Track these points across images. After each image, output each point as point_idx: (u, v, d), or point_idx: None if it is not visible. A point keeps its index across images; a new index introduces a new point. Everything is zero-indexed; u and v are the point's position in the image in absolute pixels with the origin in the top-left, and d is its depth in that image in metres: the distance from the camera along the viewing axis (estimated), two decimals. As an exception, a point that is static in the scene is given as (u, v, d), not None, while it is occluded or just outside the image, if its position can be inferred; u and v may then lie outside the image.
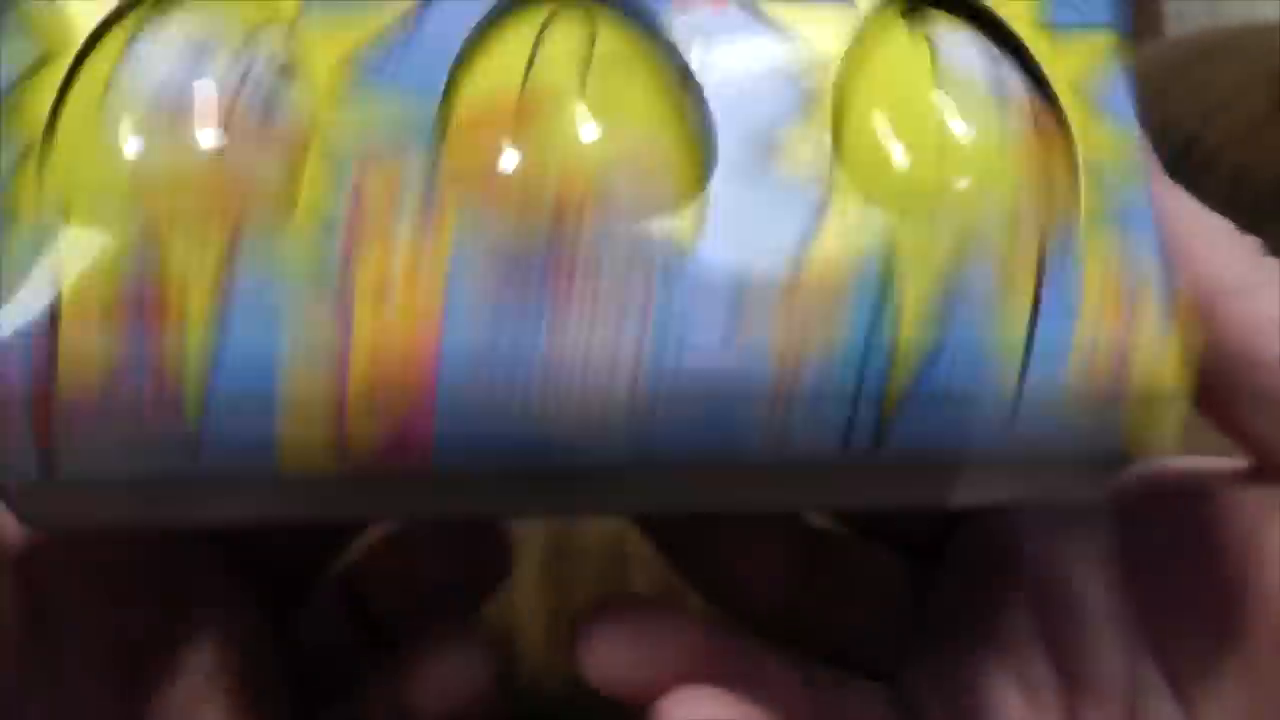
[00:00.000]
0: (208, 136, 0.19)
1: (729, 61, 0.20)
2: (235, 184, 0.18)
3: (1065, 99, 0.21)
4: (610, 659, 0.20)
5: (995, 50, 0.21)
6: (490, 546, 0.25)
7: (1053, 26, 0.22)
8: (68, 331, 0.17)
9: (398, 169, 0.19)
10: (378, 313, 0.17)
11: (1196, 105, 0.39)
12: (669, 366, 0.18)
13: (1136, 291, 0.19)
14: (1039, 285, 0.19)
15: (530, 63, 0.20)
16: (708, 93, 0.19)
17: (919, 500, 0.20)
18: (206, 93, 0.19)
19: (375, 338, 0.17)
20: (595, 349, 0.18)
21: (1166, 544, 0.21)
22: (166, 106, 0.19)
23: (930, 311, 0.19)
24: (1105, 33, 0.22)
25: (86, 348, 0.17)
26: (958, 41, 0.21)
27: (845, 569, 0.24)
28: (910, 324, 0.19)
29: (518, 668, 0.29)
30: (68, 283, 0.17)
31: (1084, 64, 0.21)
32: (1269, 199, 0.37)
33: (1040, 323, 0.19)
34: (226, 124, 0.19)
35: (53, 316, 0.17)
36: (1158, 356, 0.19)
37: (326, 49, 0.20)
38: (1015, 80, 0.21)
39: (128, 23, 0.20)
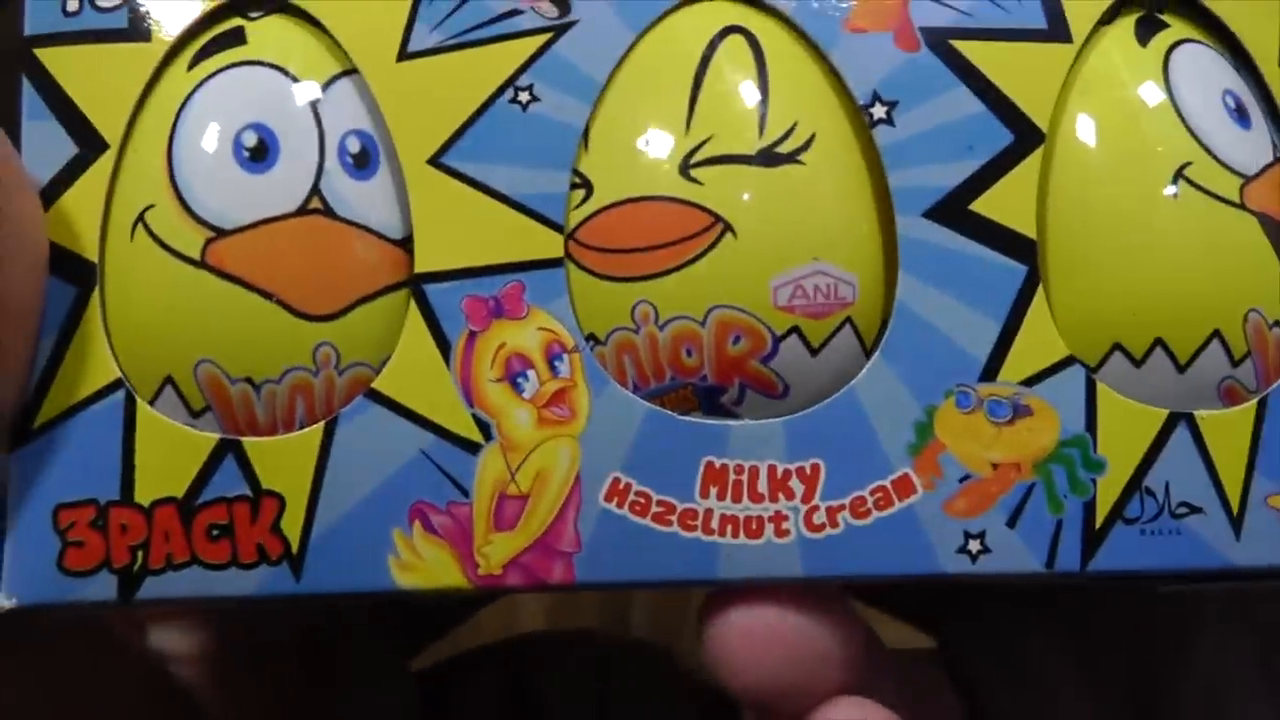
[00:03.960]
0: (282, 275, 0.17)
1: (921, 120, 0.17)
2: (311, 344, 0.17)
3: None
4: (759, 658, 0.17)
5: (1239, 84, 0.19)
6: None
7: None
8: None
9: (514, 330, 0.17)
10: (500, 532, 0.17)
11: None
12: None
13: None
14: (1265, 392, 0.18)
15: (685, 167, 0.17)
16: (896, 158, 0.17)
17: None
18: (266, 207, 0.17)
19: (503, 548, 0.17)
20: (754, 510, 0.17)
21: None
22: (231, 221, 0.17)
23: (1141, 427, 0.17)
24: None
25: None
26: (1200, 75, 0.18)
27: None
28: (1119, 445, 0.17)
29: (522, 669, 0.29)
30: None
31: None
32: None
33: (1262, 441, 0.18)
34: (297, 252, 0.17)
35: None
36: None
37: (415, 124, 0.17)
38: (1259, 133, 0.19)
39: (170, 85, 0.17)
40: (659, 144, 0.17)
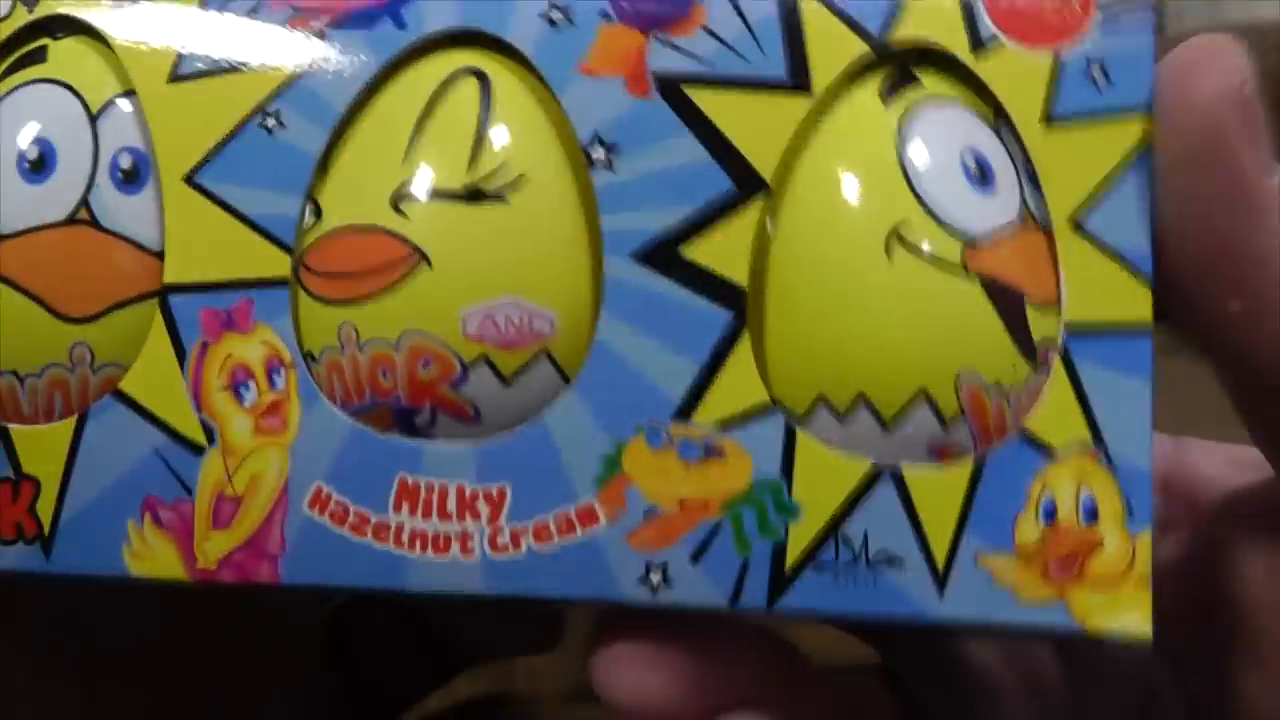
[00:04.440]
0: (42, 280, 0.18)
1: (640, 164, 0.18)
2: (69, 344, 0.18)
3: (1060, 230, 0.18)
4: (642, 683, 0.18)
5: (989, 144, 0.18)
6: None
7: (1062, 119, 0.18)
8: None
9: (241, 343, 0.18)
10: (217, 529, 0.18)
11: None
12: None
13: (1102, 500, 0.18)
14: (979, 464, 0.18)
15: (400, 193, 0.18)
16: (610, 200, 0.18)
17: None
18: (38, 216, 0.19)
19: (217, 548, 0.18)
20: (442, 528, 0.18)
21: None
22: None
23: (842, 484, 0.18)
24: (1132, 122, 0.18)
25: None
26: (938, 135, 0.18)
27: None
28: (814, 494, 0.18)
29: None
30: None
31: (1092, 174, 0.18)
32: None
33: (976, 500, 0.18)
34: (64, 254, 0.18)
35: None
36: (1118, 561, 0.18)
37: (177, 143, 0.18)
38: (1003, 195, 0.18)
39: None
40: (380, 177, 0.18)
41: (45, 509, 0.18)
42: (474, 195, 0.18)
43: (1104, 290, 0.18)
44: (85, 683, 0.24)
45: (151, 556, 0.18)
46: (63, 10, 0.20)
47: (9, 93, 0.19)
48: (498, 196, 0.18)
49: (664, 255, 0.18)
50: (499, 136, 0.18)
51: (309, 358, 0.18)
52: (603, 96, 0.18)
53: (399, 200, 0.18)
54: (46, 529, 0.18)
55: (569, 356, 0.18)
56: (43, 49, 0.20)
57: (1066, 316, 0.18)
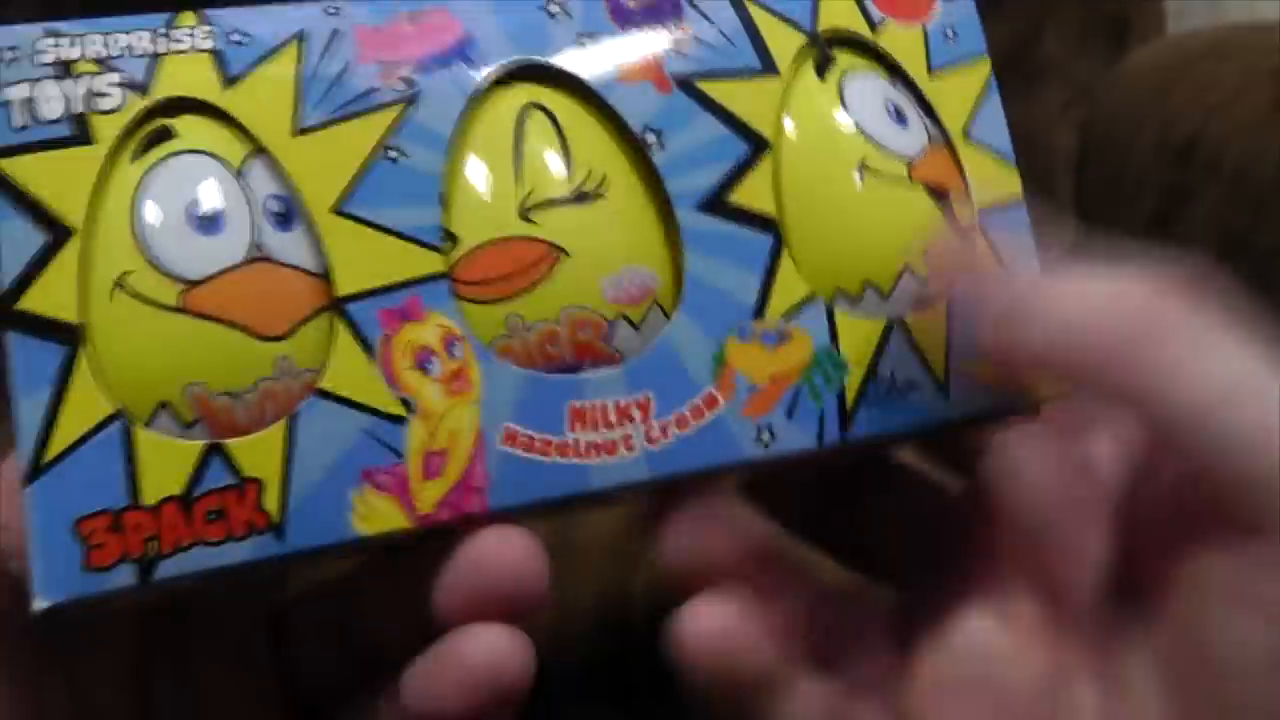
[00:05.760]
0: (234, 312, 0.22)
1: (681, 142, 0.25)
2: (273, 358, 0.22)
3: (957, 142, 0.27)
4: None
5: (896, 94, 0.27)
6: None
7: (939, 69, 0.27)
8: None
9: (418, 329, 0.23)
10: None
11: (1198, 104, 0.43)
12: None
13: None
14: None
15: (522, 194, 0.24)
16: (669, 171, 0.25)
17: None
18: (222, 261, 0.23)
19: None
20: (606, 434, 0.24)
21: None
22: (190, 280, 0.22)
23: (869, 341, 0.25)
24: (980, 63, 0.27)
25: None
26: (865, 94, 0.27)
27: (882, 497, 0.28)
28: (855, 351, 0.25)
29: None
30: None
31: (967, 102, 0.27)
32: (1271, 196, 0.40)
33: (953, 329, 0.25)
34: (246, 295, 0.22)
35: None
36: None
37: (317, 184, 0.23)
38: (915, 127, 0.27)
39: (120, 176, 0.22)
40: (500, 197, 0.24)
41: (271, 502, 0.22)
42: (581, 197, 0.24)
43: (993, 179, 0.27)
44: (71, 681, 0.25)
45: (375, 516, 0.23)
46: (178, 93, 0.23)
47: (151, 168, 0.23)
48: (597, 195, 0.24)
49: (718, 203, 0.25)
50: (577, 151, 0.25)
51: (482, 348, 0.24)
52: (641, 98, 0.25)
53: (527, 212, 0.24)
54: (276, 518, 0.22)
55: (667, 298, 0.25)
56: (166, 129, 0.23)
57: (976, 201, 0.27)
